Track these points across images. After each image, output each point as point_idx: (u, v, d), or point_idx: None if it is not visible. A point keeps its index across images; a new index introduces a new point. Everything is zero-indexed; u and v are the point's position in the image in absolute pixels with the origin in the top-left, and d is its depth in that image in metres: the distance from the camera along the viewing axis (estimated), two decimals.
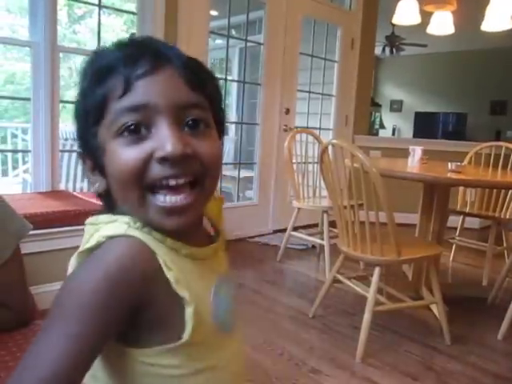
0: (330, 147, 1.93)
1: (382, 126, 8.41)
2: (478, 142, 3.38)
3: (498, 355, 2.02)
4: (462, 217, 3.20)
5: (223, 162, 3.79)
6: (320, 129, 4.17)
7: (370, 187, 1.78)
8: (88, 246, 0.50)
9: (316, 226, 3.48)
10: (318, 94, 4.18)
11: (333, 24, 4.14)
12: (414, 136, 9.01)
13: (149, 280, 0.48)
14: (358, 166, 1.78)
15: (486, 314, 2.45)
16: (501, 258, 2.96)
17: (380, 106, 9.15)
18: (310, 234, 3.29)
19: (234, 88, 4.91)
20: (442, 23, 2.76)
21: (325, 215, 2.84)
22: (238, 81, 4.56)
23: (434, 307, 2.15)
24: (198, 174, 0.50)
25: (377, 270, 1.87)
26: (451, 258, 3.38)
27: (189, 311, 0.50)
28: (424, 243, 2.21)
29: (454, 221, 3.25)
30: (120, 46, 0.52)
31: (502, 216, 2.96)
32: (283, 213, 3.67)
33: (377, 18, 4.45)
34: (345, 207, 1.92)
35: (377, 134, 8.07)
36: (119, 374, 0.52)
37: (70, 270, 0.53)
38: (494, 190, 3.04)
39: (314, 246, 3.43)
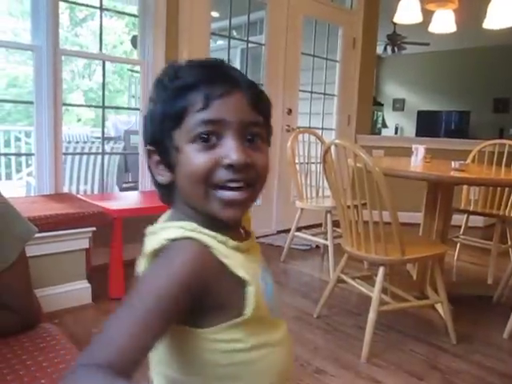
0: (332, 147, 1.93)
1: (384, 125, 8.40)
2: (481, 140, 3.37)
3: (504, 354, 2.01)
4: (466, 215, 3.19)
5: None
6: (322, 129, 4.17)
7: (373, 187, 1.78)
8: (154, 247, 0.58)
9: (320, 226, 3.48)
10: (320, 93, 4.18)
11: (334, 24, 4.14)
12: (417, 135, 9.00)
13: (211, 270, 0.57)
14: (360, 165, 1.77)
15: (491, 312, 2.44)
16: (506, 256, 2.95)
17: (382, 105, 9.15)
18: (313, 234, 3.29)
19: None
20: (444, 21, 2.75)
21: (328, 215, 2.83)
22: None
23: (438, 306, 2.15)
24: (252, 179, 0.61)
25: (381, 270, 1.87)
26: (456, 257, 3.37)
27: (251, 289, 0.59)
28: (428, 242, 2.20)
29: (458, 219, 3.24)
30: (198, 66, 0.62)
31: (507, 214, 2.95)
32: (286, 213, 3.67)
33: (378, 17, 4.45)
34: (348, 207, 1.92)
35: (379, 133, 8.06)
36: (183, 352, 0.60)
37: (140, 268, 0.60)
38: (498, 188, 3.03)
39: (317, 246, 3.43)
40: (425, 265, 2.37)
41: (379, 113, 7.71)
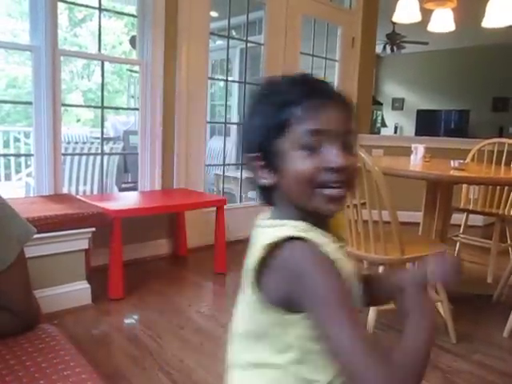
0: None
1: (383, 125, 8.41)
2: (480, 138, 3.36)
3: (505, 353, 2.01)
4: (465, 214, 3.19)
5: (226, 162, 3.79)
6: None
7: (372, 186, 1.78)
8: (267, 242, 0.64)
9: None
10: None
11: (333, 23, 4.14)
12: (416, 134, 9.01)
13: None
14: (360, 164, 1.77)
15: (491, 311, 2.44)
16: (505, 255, 2.96)
17: (381, 104, 9.15)
18: None
19: (235, 89, 4.91)
20: (443, 21, 2.75)
21: None
22: (238, 81, 4.56)
23: (438, 306, 2.14)
24: (349, 179, 0.68)
25: (381, 270, 1.87)
26: (456, 256, 3.37)
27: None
28: (428, 241, 2.20)
29: (457, 218, 3.24)
30: (294, 82, 0.70)
31: (506, 213, 2.95)
32: None
33: (377, 17, 4.45)
34: (347, 206, 1.92)
35: (378, 132, 8.06)
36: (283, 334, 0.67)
37: (251, 258, 0.67)
38: (498, 187, 3.03)
39: None
40: None
41: (378, 112, 7.71)
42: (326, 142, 0.66)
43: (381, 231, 1.80)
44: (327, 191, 0.66)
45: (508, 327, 2.13)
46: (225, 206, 2.84)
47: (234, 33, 4.41)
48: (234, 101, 4.99)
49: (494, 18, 2.53)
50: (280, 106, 0.67)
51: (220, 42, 4.49)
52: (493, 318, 2.31)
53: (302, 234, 0.64)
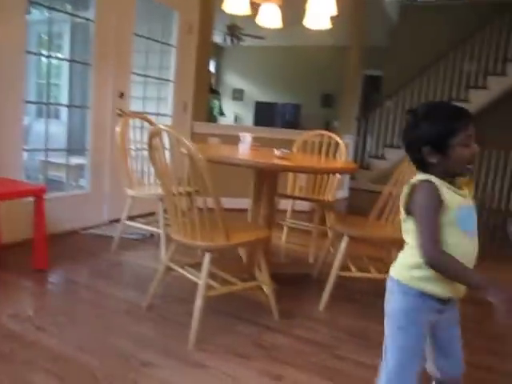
0: (158, 133, 1.86)
1: (221, 114, 8.58)
2: (309, 130, 3.63)
3: (320, 325, 2.21)
4: (291, 200, 3.43)
5: (51, 147, 3.40)
6: (158, 114, 4.06)
7: (198, 173, 1.76)
8: (412, 183, 1.19)
9: (155, 214, 3.39)
10: (155, 78, 4.06)
11: (169, 7, 4.04)
12: (255, 124, 9.44)
13: (438, 193, 1.14)
14: (185, 152, 1.74)
15: (311, 288, 2.66)
16: (325, 237, 3.26)
17: (219, 93, 9.32)
18: (147, 223, 3.19)
19: (66, 68, 4.46)
20: (270, 16, 2.87)
21: (160, 203, 2.77)
22: (63, 59, 4.14)
23: (265, 287, 2.26)
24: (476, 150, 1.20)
25: (207, 256, 1.88)
26: (283, 239, 3.62)
27: (444, 205, 1.14)
28: (253, 227, 2.29)
29: (288, 204, 3.48)
30: (451, 108, 1.22)
31: (324, 198, 3.25)
32: (120, 202, 3.48)
33: (213, 5, 4.47)
34: (174, 194, 1.88)
35: (215, 120, 8.20)
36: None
37: (404, 192, 1.21)
38: (319, 176, 3.32)
39: (152, 235, 3.34)
40: (253, 249, 2.47)
41: (215, 101, 7.85)
42: (471, 141, 1.18)
43: (206, 218, 1.81)
44: (470, 166, 1.20)
45: (323, 301, 2.36)
46: (47, 196, 2.56)
47: (68, 6, 3.98)
48: (64, 81, 4.53)
49: (312, 21, 2.74)
50: (451, 121, 1.18)
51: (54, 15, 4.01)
52: (312, 295, 2.53)
53: (432, 179, 1.16)
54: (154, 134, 1.84)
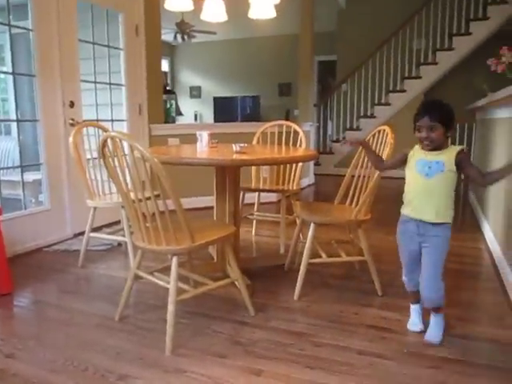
0: (109, 140, 1.81)
1: (179, 113, 8.48)
2: (270, 121, 3.63)
3: (296, 314, 2.22)
4: (257, 193, 3.43)
5: (5, 165, 3.26)
6: (112, 120, 3.96)
7: (155, 177, 1.73)
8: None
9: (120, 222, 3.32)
10: (106, 83, 3.95)
11: (113, 9, 3.93)
12: (215, 120, 9.38)
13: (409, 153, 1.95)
14: (139, 156, 1.70)
15: (284, 279, 2.67)
16: (294, 226, 3.27)
17: (174, 93, 9.21)
18: (114, 232, 3.12)
19: (10, 81, 4.29)
20: (214, 10, 2.83)
21: (123, 211, 2.71)
22: (5, 72, 3.97)
23: (236, 283, 2.25)
24: (431, 140, 1.82)
25: (174, 260, 1.85)
26: (253, 233, 3.61)
27: (407, 156, 1.95)
28: (219, 225, 2.27)
29: (254, 197, 3.47)
30: (419, 107, 1.88)
31: (290, 188, 3.26)
32: (83, 214, 3.39)
33: (159, 4, 4.39)
34: (133, 201, 1.84)
35: (174, 121, 8.11)
36: None
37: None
38: (282, 166, 3.32)
39: (120, 244, 3.28)
40: (222, 246, 2.45)
41: (172, 101, 7.75)
42: (421, 128, 1.83)
43: (168, 222, 1.78)
44: (426, 142, 1.83)
45: (297, 291, 2.37)
46: (5, 216, 2.47)
47: (6, 16, 3.79)
48: (10, 95, 4.36)
49: (257, 10, 2.72)
50: (416, 113, 1.86)
51: None
52: (285, 285, 2.53)
53: (415, 147, 1.92)
54: (105, 142, 1.79)
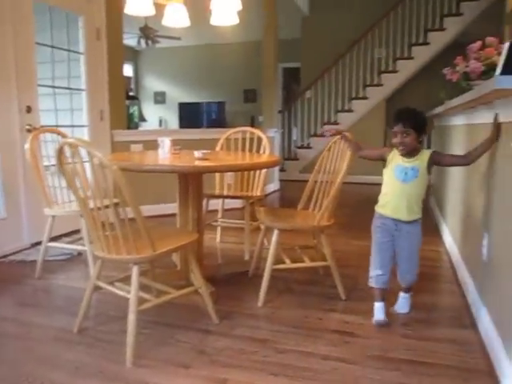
0: (66, 147, 1.76)
1: (142, 119, 8.36)
2: (235, 127, 3.62)
3: (261, 321, 2.21)
4: (221, 200, 3.41)
5: None
6: (73, 126, 3.86)
7: (115, 184, 1.69)
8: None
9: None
10: (66, 88, 3.85)
11: (72, 12, 3.84)
12: (181, 126, 9.31)
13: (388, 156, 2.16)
14: (97, 163, 1.66)
15: (248, 285, 2.65)
16: (258, 232, 3.27)
17: (137, 98, 9.09)
18: (73, 241, 3.03)
19: None
20: (176, 15, 2.81)
21: (82, 219, 2.63)
22: None
23: (199, 291, 2.21)
24: (405, 145, 2.05)
25: (135, 269, 1.81)
26: (218, 240, 3.59)
27: (386, 157, 2.16)
28: (180, 232, 2.25)
29: (218, 204, 3.44)
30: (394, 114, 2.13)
31: (255, 194, 3.26)
32: (42, 222, 3.28)
33: (122, 8, 4.31)
34: (99, 209, 1.79)
35: (137, 127, 7.99)
36: None
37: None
38: (246, 172, 3.31)
39: (80, 254, 3.18)
40: (185, 254, 2.42)
41: (135, 106, 7.63)
42: (396, 134, 2.05)
43: (128, 231, 1.74)
44: (400, 147, 2.06)
45: (261, 297, 2.36)
46: None
47: None
48: None
49: (219, 17, 2.72)
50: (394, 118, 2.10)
51: None
52: (250, 292, 2.52)
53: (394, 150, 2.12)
54: (62, 149, 1.74)
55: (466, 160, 2.06)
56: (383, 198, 2.18)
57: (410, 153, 2.06)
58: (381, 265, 2.16)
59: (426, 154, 2.06)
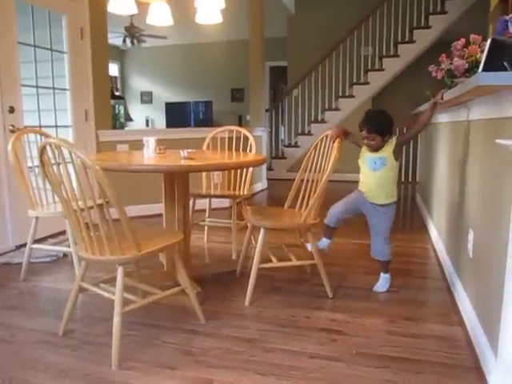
0: (48, 147, 1.73)
1: (128, 119, 8.29)
2: (222, 127, 3.60)
3: (247, 321, 2.20)
4: (208, 199, 3.39)
5: None
6: (57, 126, 3.81)
7: (98, 185, 1.66)
8: None
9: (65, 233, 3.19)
10: (49, 88, 3.80)
11: (55, 11, 3.79)
12: (168, 126, 9.26)
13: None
14: (80, 163, 1.64)
15: (236, 285, 2.64)
16: (246, 231, 3.26)
17: (123, 98, 9.00)
18: (59, 243, 2.99)
19: None
20: (160, 14, 2.79)
21: (67, 221, 2.59)
22: None
23: (186, 291, 2.20)
24: (371, 145, 2.36)
25: (120, 270, 1.79)
26: (205, 240, 3.57)
27: (361, 151, 2.47)
28: (166, 232, 2.22)
29: (213, 203, 3.42)
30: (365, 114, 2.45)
31: (242, 193, 3.25)
32: (26, 224, 3.23)
33: (106, 7, 4.27)
34: (75, 210, 1.76)
35: (123, 127, 7.92)
36: None
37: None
38: (233, 171, 3.30)
39: (65, 255, 3.14)
40: (171, 254, 2.40)
41: (120, 106, 7.57)
42: (364, 134, 2.32)
43: (112, 231, 1.72)
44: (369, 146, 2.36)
45: (248, 296, 2.35)
46: None
47: None
48: None
49: (203, 16, 2.70)
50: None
51: None
52: (237, 291, 2.51)
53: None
54: (44, 149, 1.71)
55: (419, 126, 2.39)
56: (361, 186, 2.47)
57: (377, 149, 2.36)
58: (340, 209, 2.51)
59: (391, 144, 2.34)
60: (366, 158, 2.41)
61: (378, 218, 2.45)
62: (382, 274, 2.56)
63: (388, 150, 2.34)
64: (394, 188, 2.42)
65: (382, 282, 2.55)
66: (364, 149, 2.42)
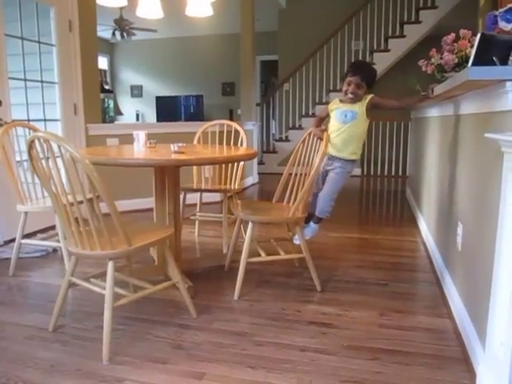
0: (36, 141, 1.71)
1: (118, 113, 8.22)
2: (213, 121, 3.59)
3: (238, 314, 2.21)
4: (199, 194, 3.38)
5: None
6: (45, 120, 3.77)
7: (88, 179, 1.65)
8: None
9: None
10: (38, 81, 3.75)
11: (43, 3, 3.74)
12: (158, 120, 9.21)
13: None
14: (69, 157, 1.62)
15: (226, 279, 2.64)
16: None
17: (112, 91, 8.92)
18: (48, 238, 2.97)
19: None
20: (149, 7, 2.76)
21: (56, 215, 2.58)
22: None
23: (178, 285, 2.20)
24: (353, 93, 2.39)
25: (110, 265, 1.78)
26: (196, 234, 3.57)
27: (329, 108, 2.55)
28: (156, 226, 2.22)
29: (204, 197, 3.41)
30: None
31: (232, 187, 3.25)
32: (16, 219, 3.20)
33: None
34: (71, 204, 1.75)
35: (112, 121, 7.85)
36: None
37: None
38: (224, 166, 3.30)
39: (55, 250, 3.12)
40: (162, 248, 2.39)
41: (110, 100, 7.50)
42: (348, 82, 2.37)
43: (102, 226, 1.71)
44: (349, 94, 2.38)
45: (237, 290, 2.35)
46: None
47: None
48: None
49: (193, 8, 2.68)
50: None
51: None
52: (228, 285, 2.51)
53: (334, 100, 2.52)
54: (32, 143, 1.69)
55: (400, 104, 2.55)
56: (330, 140, 2.45)
57: (354, 101, 2.40)
58: (318, 191, 2.56)
59: (366, 99, 2.40)
60: (337, 110, 2.44)
61: (333, 173, 2.47)
62: (312, 224, 2.58)
63: (361, 106, 2.40)
64: (360, 147, 2.47)
65: (310, 230, 2.58)
66: (333, 103, 2.48)
